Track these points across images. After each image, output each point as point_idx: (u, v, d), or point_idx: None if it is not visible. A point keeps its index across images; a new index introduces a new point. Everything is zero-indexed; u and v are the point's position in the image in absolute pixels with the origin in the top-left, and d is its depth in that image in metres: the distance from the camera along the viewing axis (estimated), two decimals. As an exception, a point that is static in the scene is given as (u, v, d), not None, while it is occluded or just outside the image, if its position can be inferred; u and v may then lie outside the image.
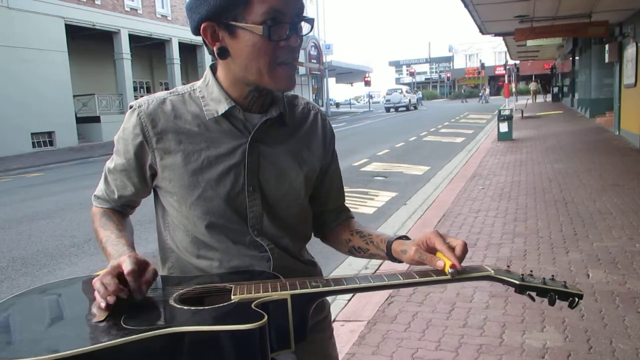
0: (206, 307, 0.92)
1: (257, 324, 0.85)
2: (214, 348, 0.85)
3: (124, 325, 0.87)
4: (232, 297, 0.93)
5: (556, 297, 0.99)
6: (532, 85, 40.64)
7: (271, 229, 1.12)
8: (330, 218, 1.28)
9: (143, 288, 0.93)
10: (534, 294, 1.00)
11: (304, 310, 0.96)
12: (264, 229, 1.12)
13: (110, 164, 1.17)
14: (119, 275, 0.92)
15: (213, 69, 1.13)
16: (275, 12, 0.98)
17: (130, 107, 1.12)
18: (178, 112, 1.09)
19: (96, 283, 0.91)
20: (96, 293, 0.93)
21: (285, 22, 1.00)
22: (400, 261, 1.12)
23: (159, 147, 1.08)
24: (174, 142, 1.08)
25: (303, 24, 1.05)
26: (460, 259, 1.00)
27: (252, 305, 0.90)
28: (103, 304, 0.89)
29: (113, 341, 0.82)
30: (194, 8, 1.03)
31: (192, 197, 1.08)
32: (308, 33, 1.08)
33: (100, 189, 1.21)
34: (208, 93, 1.10)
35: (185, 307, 0.92)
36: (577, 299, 0.98)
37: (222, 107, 1.08)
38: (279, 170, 1.12)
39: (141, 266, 0.93)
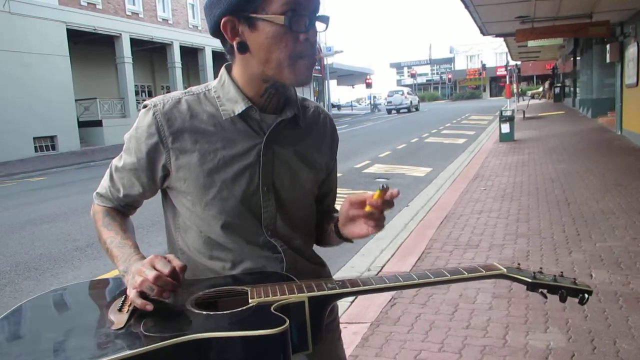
0: (226, 312, 0.91)
1: (280, 328, 0.85)
2: (239, 353, 0.85)
3: (146, 333, 0.86)
4: (250, 300, 0.93)
5: (566, 293, 0.99)
6: (546, 85, 41.69)
7: (284, 229, 1.13)
8: (323, 217, 1.28)
9: (182, 276, 0.96)
10: (545, 291, 1.00)
11: (321, 312, 0.97)
12: (278, 229, 1.12)
13: (118, 162, 1.16)
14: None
15: (228, 69, 1.13)
16: (294, 3, 0.99)
17: (145, 106, 1.11)
18: (194, 112, 1.09)
19: (145, 285, 0.92)
20: (134, 298, 0.93)
21: (305, 15, 1.00)
22: (346, 238, 1.12)
23: (174, 147, 1.08)
24: (190, 141, 1.08)
25: (318, 23, 1.05)
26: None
27: (272, 309, 0.90)
28: (150, 307, 0.92)
29: (138, 349, 0.81)
30: (215, 2, 1.03)
31: (208, 197, 1.08)
32: (325, 30, 1.09)
33: (104, 186, 1.19)
34: (224, 93, 1.10)
35: (204, 312, 0.92)
36: (586, 295, 0.99)
37: (239, 107, 1.08)
38: (292, 171, 1.13)
39: (170, 261, 0.96)
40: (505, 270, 1.01)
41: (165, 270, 0.93)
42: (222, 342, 0.85)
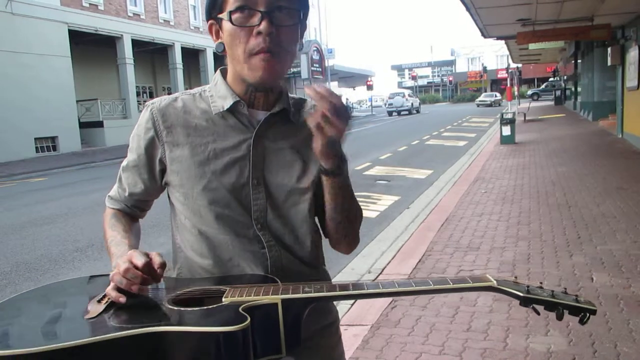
0: (194, 309, 0.93)
1: (239, 326, 0.85)
2: (197, 348, 0.87)
3: (111, 323, 0.90)
4: (223, 299, 0.94)
5: (565, 311, 0.93)
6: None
7: (275, 223, 1.14)
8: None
9: (159, 272, 0.97)
10: (540, 307, 0.94)
11: (297, 315, 0.95)
12: (268, 223, 1.13)
13: (124, 162, 1.22)
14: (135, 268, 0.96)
15: (223, 72, 1.18)
16: (246, 0, 1.03)
17: (145, 106, 1.18)
18: (188, 108, 1.15)
19: (115, 277, 0.95)
20: (109, 290, 0.96)
21: (256, 10, 1.02)
22: (326, 169, 1.06)
23: (168, 140, 1.13)
24: (183, 135, 1.13)
25: (281, 16, 1.03)
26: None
27: (240, 309, 0.90)
28: (123, 299, 0.94)
29: (94, 338, 0.84)
30: (205, 10, 1.13)
31: (199, 187, 1.11)
32: (292, 25, 1.06)
33: (113, 189, 1.25)
34: (216, 91, 1.16)
35: (175, 308, 0.94)
36: (588, 315, 0.93)
37: (228, 102, 1.13)
38: (283, 165, 1.15)
39: (148, 256, 0.98)
40: (495, 282, 0.95)
41: (139, 263, 0.95)
42: (180, 336, 0.86)
